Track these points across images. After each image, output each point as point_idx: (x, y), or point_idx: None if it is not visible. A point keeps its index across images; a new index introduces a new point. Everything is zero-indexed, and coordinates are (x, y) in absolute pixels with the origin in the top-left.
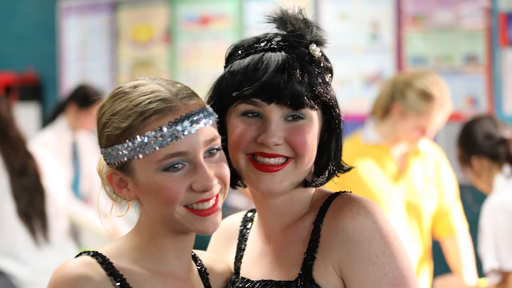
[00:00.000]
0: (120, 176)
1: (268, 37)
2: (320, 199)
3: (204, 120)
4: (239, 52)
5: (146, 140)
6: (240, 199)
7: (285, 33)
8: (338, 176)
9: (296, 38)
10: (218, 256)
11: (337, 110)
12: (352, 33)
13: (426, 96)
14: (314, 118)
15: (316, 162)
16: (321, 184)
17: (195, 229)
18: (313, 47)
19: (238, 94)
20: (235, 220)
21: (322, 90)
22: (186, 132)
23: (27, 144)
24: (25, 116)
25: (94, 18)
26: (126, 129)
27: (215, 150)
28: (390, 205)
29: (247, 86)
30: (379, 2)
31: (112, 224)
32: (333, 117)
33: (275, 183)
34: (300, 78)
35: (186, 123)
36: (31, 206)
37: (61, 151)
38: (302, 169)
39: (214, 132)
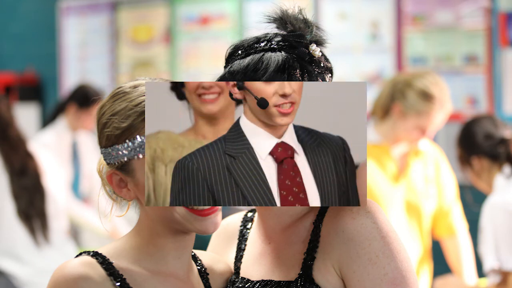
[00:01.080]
0: (120, 176)
1: (268, 37)
2: None
3: None
4: (239, 52)
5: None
6: None
7: (285, 33)
8: None
9: (296, 38)
10: (218, 256)
11: None
12: (352, 33)
13: (426, 96)
14: None
15: None
16: None
17: (195, 229)
18: (313, 47)
19: None
20: (235, 220)
21: None
22: None
23: (27, 144)
24: (25, 116)
25: (94, 18)
26: (126, 129)
27: None
28: (390, 205)
29: None
30: (379, 2)
31: (112, 224)
32: None
33: None
34: (300, 78)
35: None
36: (31, 206)
37: (61, 151)
38: None
39: None
